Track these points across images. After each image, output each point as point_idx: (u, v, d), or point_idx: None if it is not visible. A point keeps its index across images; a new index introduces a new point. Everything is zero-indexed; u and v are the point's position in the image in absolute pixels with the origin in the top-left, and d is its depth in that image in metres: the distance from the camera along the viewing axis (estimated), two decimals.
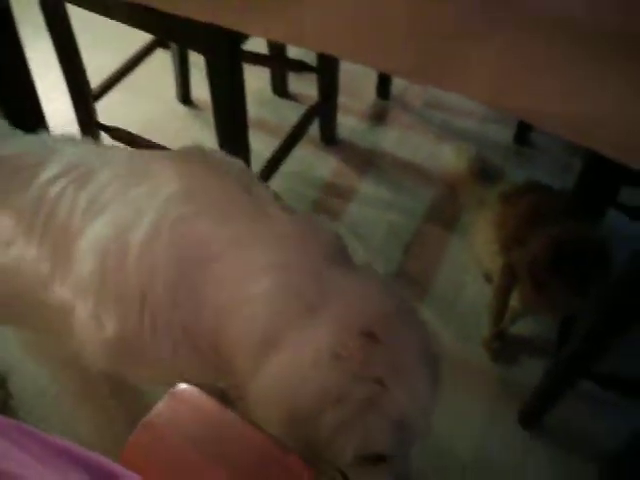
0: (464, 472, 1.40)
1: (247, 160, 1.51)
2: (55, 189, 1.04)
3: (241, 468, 0.67)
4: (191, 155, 1.11)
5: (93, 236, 1.01)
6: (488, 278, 1.67)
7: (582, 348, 1.24)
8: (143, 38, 1.93)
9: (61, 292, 1.04)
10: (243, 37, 1.44)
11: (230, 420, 0.71)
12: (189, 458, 0.69)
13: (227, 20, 0.85)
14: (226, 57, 1.29)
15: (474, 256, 1.69)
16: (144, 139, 1.72)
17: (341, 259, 1.01)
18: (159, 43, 1.98)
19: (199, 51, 1.32)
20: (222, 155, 1.13)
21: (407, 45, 0.74)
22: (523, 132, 2.10)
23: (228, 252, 0.97)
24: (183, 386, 0.76)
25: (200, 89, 2.13)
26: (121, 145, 1.70)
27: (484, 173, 1.80)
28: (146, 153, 1.17)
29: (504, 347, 1.58)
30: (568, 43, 0.67)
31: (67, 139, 1.18)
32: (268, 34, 0.85)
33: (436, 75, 0.77)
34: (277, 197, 1.07)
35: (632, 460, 1.29)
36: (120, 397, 1.41)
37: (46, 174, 1.06)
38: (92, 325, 1.03)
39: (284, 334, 0.92)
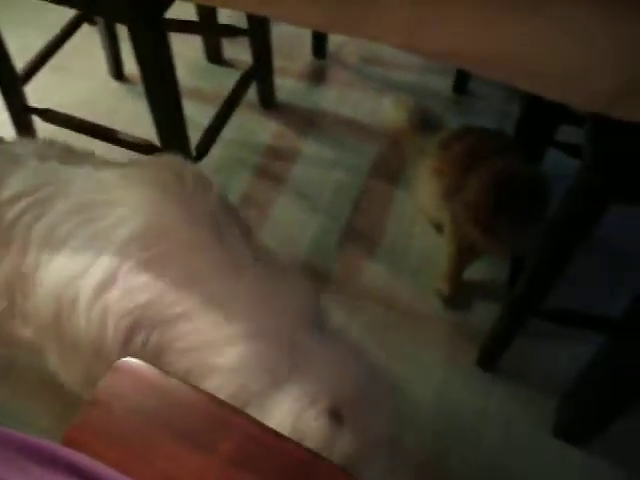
0: (428, 419, 1.43)
1: (184, 130, 1.49)
2: (13, 212, 0.99)
3: (186, 431, 0.68)
4: (161, 176, 1.03)
5: (48, 280, 0.96)
6: (437, 227, 1.68)
7: (529, 287, 1.26)
8: (67, 14, 1.88)
9: (26, 332, 1.01)
10: (165, 5, 1.40)
11: (173, 386, 0.72)
12: (135, 428, 0.69)
13: None
14: (149, 27, 1.26)
15: (419, 207, 1.70)
16: (79, 119, 1.68)
17: (316, 323, 0.97)
18: (84, 18, 1.92)
19: (120, 22, 1.29)
20: (197, 174, 1.06)
21: None
22: (462, 81, 2.10)
23: (195, 313, 0.91)
24: (125, 359, 0.75)
25: (133, 63, 2.08)
26: (57, 128, 1.67)
27: (424, 123, 1.80)
28: (113, 174, 1.07)
29: (457, 293, 1.61)
30: None
31: (30, 148, 1.12)
32: None
33: (351, 24, 0.77)
34: (248, 231, 1.03)
35: (586, 391, 1.33)
36: None
37: (6, 192, 1.01)
38: (63, 369, 1.02)
39: (248, 409, 0.88)
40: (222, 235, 0.97)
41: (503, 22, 0.70)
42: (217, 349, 0.89)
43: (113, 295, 0.92)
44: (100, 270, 0.92)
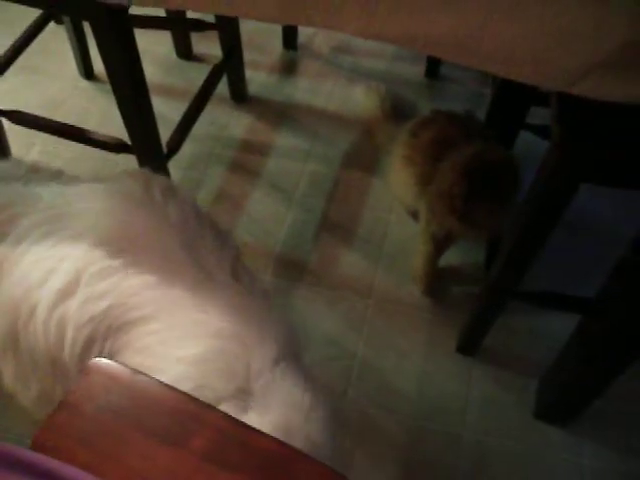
0: (411, 407, 1.43)
1: (155, 127, 1.48)
2: None
3: (157, 428, 0.67)
4: (129, 188, 1.00)
5: (8, 290, 0.93)
6: (413, 215, 1.68)
7: (504, 269, 1.27)
8: (32, 12, 1.85)
9: None
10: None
11: (144, 384, 0.71)
12: (107, 428, 0.68)
13: None
14: (113, 23, 1.24)
15: (394, 195, 1.70)
16: (48, 119, 1.66)
17: (287, 356, 0.92)
18: (50, 16, 1.89)
19: (84, 19, 1.27)
20: (166, 185, 1.02)
21: None
22: (433, 66, 2.10)
23: (157, 316, 0.88)
24: (96, 359, 0.75)
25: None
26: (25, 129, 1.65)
27: (396, 110, 1.81)
28: (81, 188, 1.05)
29: (435, 280, 1.61)
30: None
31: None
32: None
33: (308, 14, 0.76)
34: (236, 252, 0.99)
35: (564, 372, 1.33)
36: None
37: None
38: (19, 387, 0.99)
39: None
40: (193, 245, 0.94)
41: (461, 4, 0.70)
42: (176, 345, 0.87)
43: (73, 303, 0.90)
44: (61, 278, 0.90)
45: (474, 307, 1.42)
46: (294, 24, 0.79)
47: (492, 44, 0.73)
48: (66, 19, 1.95)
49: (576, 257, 1.65)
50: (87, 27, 1.91)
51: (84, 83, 2.12)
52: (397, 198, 1.68)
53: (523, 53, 0.73)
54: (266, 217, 1.75)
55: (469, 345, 1.50)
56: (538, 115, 1.53)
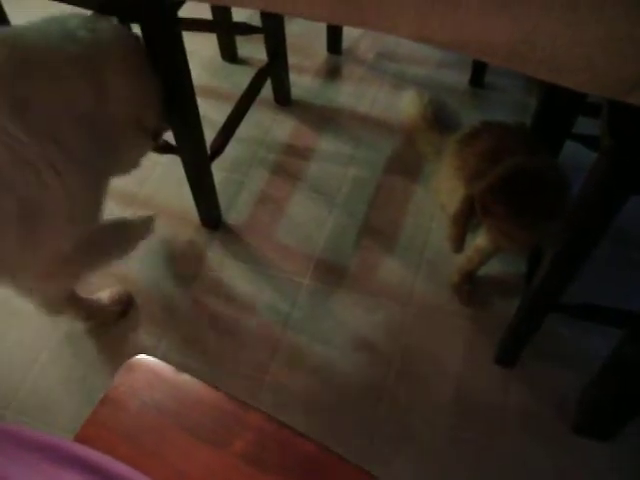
0: (447, 416, 1.42)
1: (200, 128, 1.49)
2: None
3: (199, 427, 0.67)
4: None
5: None
6: None
7: (547, 281, 1.25)
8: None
9: None
10: (178, 4, 1.41)
11: (186, 382, 0.72)
12: (150, 424, 0.69)
13: None
14: (163, 25, 1.26)
15: (440, 204, 1.69)
16: None
17: None
18: None
19: (135, 21, 1.29)
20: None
21: None
22: (478, 74, 2.09)
23: None
24: (139, 357, 0.76)
25: None
26: None
27: (440, 118, 1.79)
28: None
29: (474, 289, 1.59)
30: None
31: None
32: None
33: (361, 16, 0.76)
34: None
35: (606, 387, 1.31)
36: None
37: None
38: None
39: None
40: None
41: (516, 9, 0.69)
42: None
43: None
44: None
45: (514, 318, 1.40)
46: (347, 25, 0.78)
47: (545, 50, 0.72)
48: (114, 20, 1.97)
49: (622, 270, 1.62)
50: (134, 28, 1.97)
51: None
52: (443, 207, 1.66)
53: (577, 60, 0.72)
54: (307, 221, 1.76)
55: (508, 356, 1.48)
56: (584, 125, 1.50)
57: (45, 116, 1.05)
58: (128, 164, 1.40)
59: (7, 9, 1.59)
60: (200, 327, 1.56)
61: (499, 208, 1.32)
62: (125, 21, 1.56)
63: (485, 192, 1.34)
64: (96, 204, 1.25)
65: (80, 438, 0.67)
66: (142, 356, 0.75)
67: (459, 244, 1.51)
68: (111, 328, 1.55)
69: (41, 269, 1.23)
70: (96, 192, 1.23)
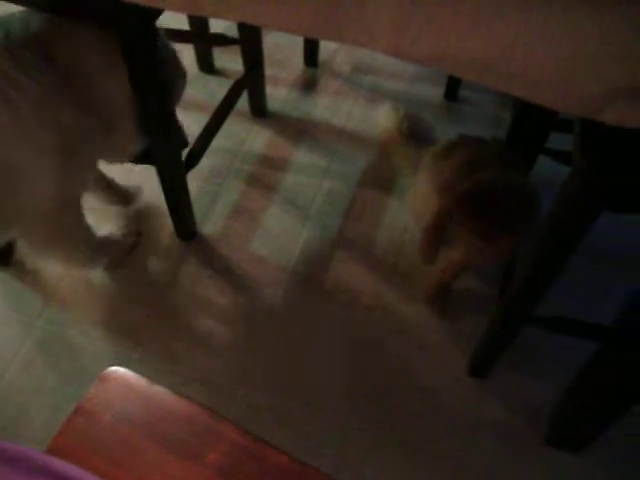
0: (420, 428, 1.42)
1: (182, 137, 1.49)
2: None
3: (173, 439, 0.67)
4: None
5: None
6: None
7: (520, 294, 1.26)
8: None
9: None
10: (156, 13, 1.40)
11: (159, 394, 0.71)
12: (123, 437, 0.69)
13: None
14: (140, 35, 1.26)
15: (414, 217, 1.70)
16: None
17: None
18: None
19: (111, 28, 1.28)
20: None
21: (302, 4, 0.74)
22: (453, 88, 2.11)
23: None
24: (113, 368, 0.75)
25: None
26: None
27: (415, 132, 1.81)
28: None
29: (448, 302, 1.61)
30: None
31: None
32: (166, 4, 0.83)
33: (336, 29, 0.77)
34: None
35: (578, 399, 1.32)
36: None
37: None
38: None
39: None
40: None
41: (491, 24, 0.70)
42: None
43: None
44: None
45: (487, 330, 1.41)
46: (324, 39, 0.79)
47: (520, 66, 0.73)
48: None
49: (593, 284, 1.64)
50: None
51: None
52: (416, 220, 1.67)
53: (550, 76, 0.73)
54: (282, 232, 1.76)
55: (481, 368, 1.49)
56: (557, 140, 1.53)
57: None
58: (115, 146, 1.41)
59: None
60: (174, 337, 1.55)
61: (461, 219, 1.35)
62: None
63: (450, 203, 1.36)
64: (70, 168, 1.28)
65: (51, 449, 0.66)
66: (115, 368, 0.75)
67: (431, 256, 1.53)
68: (81, 337, 1.54)
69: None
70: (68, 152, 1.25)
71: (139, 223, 1.70)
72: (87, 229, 1.51)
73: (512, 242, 1.38)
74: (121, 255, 1.67)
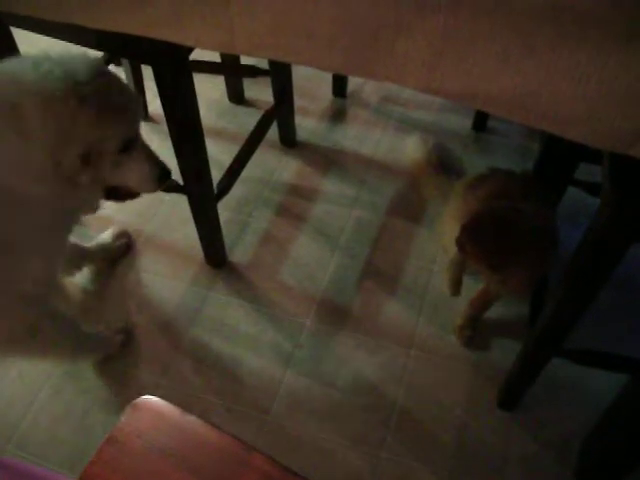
0: (448, 460, 1.41)
1: (207, 169, 1.51)
2: None
3: (205, 470, 0.68)
4: None
5: None
6: None
7: (550, 326, 1.25)
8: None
9: None
10: (189, 48, 1.44)
11: (192, 424, 0.72)
12: (154, 467, 0.69)
13: (158, 32, 0.85)
14: (173, 67, 1.29)
15: (443, 247, 1.70)
16: None
17: None
18: (110, 59, 1.97)
19: (146, 63, 1.32)
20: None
21: (334, 42, 0.75)
22: (481, 119, 2.12)
23: None
24: (145, 397, 0.76)
25: (158, 103, 2.12)
26: None
27: (443, 162, 1.82)
28: None
29: (477, 333, 1.60)
30: (495, 21, 0.68)
31: None
32: (199, 44, 0.85)
33: (368, 67, 0.78)
34: None
35: (609, 434, 1.30)
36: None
37: None
38: None
39: None
40: None
41: (521, 63, 0.71)
42: None
43: None
44: None
45: (516, 362, 1.40)
46: (355, 76, 0.81)
47: (549, 103, 0.74)
48: (125, 62, 2.02)
49: (625, 315, 1.62)
50: (144, 69, 2.01)
51: None
52: (445, 250, 1.68)
53: (580, 113, 0.74)
54: (310, 262, 1.77)
55: (510, 400, 1.48)
56: (586, 171, 1.52)
57: None
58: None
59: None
60: (202, 366, 1.56)
61: (470, 249, 1.35)
62: (137, 63, 1.60)
63: (460, 232, 1.37)
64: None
65: (84, 478, 0.67)
66: (147, 396, 0.76)
67: (455, 287, 1.53)
68: (112, 364, 1.55)
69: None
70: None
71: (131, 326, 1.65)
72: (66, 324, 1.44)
73: (528, 271, 1.37)
74: (112, 351, 1.58)
